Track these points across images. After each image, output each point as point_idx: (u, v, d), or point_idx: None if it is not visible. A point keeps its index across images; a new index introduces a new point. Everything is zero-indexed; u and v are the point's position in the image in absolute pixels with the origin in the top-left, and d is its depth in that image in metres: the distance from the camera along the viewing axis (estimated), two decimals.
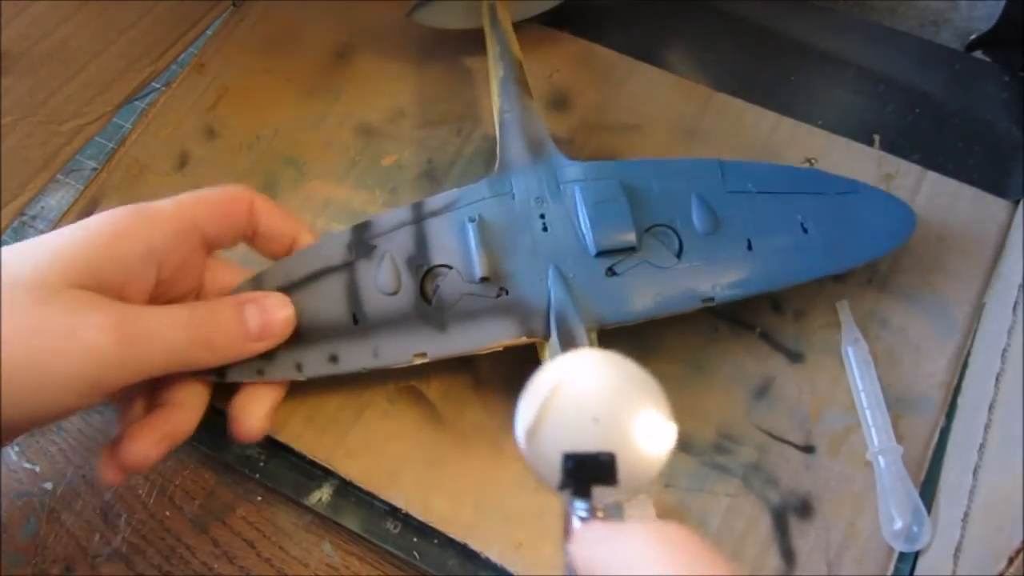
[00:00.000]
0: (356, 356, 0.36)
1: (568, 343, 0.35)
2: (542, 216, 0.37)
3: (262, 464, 0.39)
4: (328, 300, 0.37)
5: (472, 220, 0.37)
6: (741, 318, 0.41)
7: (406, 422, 0.39)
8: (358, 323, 0.36)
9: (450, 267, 0.37)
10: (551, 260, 0.37)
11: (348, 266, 0.37)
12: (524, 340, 0.36)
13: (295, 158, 0.46)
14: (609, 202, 0.37)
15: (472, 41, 0.47)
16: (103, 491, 0.39)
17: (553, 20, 0.49)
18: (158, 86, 0.50)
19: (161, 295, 0.34)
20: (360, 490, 0.38)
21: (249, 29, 0.51)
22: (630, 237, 0.36)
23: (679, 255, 0.37)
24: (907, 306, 0.41)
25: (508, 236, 0.37)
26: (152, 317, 0.32)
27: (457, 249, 0.37)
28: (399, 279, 0.37)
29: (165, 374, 0.34)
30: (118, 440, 0.34)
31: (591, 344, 0.35)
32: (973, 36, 0.51)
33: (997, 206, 0.43)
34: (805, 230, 0.38)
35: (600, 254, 0.36)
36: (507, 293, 0.36)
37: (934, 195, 0.43)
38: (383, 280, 0.37)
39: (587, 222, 0.37)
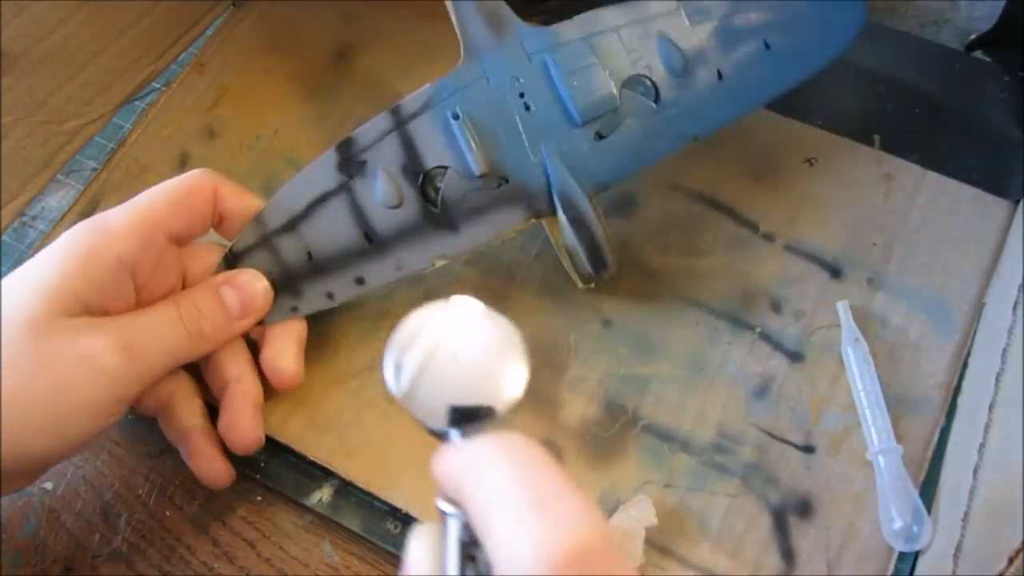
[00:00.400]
0: (380, 272, 0.38)
1: (574, 215, 0.36)
2: (522, 95, 0.38)
3: (262, 464, 0.39)
4: (336, 225, 0.37)
5: (456, 117, 0.37)
6: (741, 318, 0.41)
7: (406, 422, 0.39)
8: (372, 242, 0.37)
9: (446, 167, 0.37)
10: (541, 138, 0.37)
11: (345, 187, 0.37)
12: (533, 221, 0.38)
13: (295, 158, 0.46)
14: (583, 68, 0.38)
15: None
16: (103, 491, 0.39)
17: (553, 20, 0.49)
18: (158, 86, 0.50)
19: (146, 299, 0.35)
20: (360, 490, 0.38)
21: (249, 29, 0.51)
22: (611, 98, 0.37)
23: (656, 101, 0.38)
24: (907, 306, 0.41)
25: (493, 123, 0.37)
26: (149, 324, 0.33)
27: (448, 148, 0.37)
28: (399, 190, 0.37)
29: (166, 373, 0.34)
30: (204, 443, 0.36)
31: (594, 208, 0.37)
32: (973, 36, 0.51)
33: (997, 206, 0.43)
34: (768, 47, 0.39)
35: (586, 122, 0.37)
36: (507, 182, 0.37)
37: (934, 195, 0.43)
38: (383, 194, 0.37)
39: (567, 93, 0.37)
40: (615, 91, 0.37)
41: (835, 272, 0.42)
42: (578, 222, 0.37)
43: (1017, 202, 0.43)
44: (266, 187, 0.46)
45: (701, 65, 0.38)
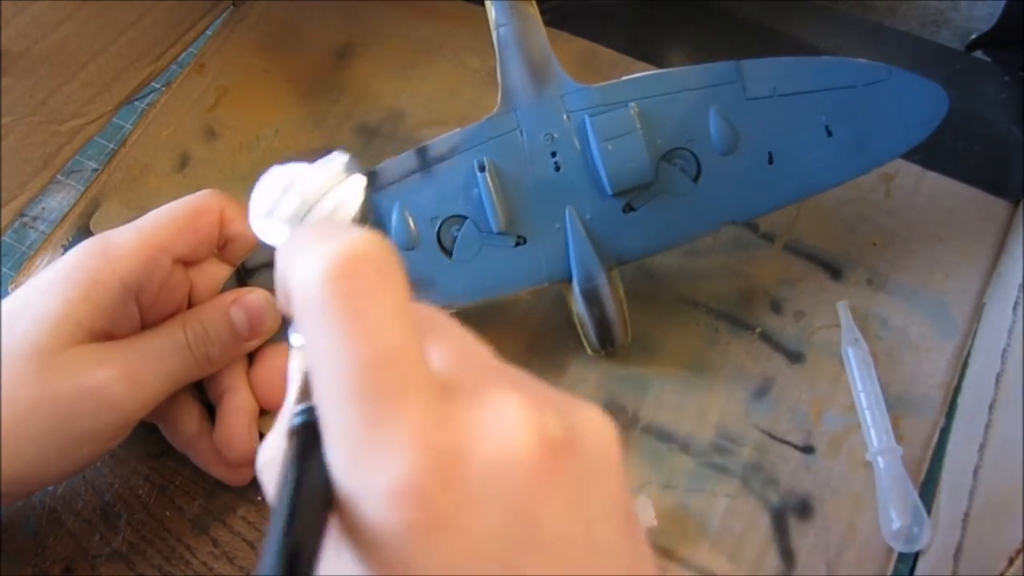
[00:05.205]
0: None
1: (588, 288, 0.35)
2: (553, 155, 0.36)
3: None
4: None
5: (483, 169, 0.36)
6: (741, 318, 0.41)
7: None
8: None
9: (465, 217, 0.36)
10: (566, 202, 0.36)
11: (361, 220, 0.37)
12: (546, 284, 0.36)
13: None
14: (623, 135, 0.35)
15: (472, 41, 0.47)
16: (103, 491, 0.39)
17: (553, 20, 0.49)
18: (158, 86, 0.50)
19: (152, 319, 0.35)
20: None
21: (249, 29, 0.51)
22: (647, 171, 0.35)
23: (697, 179, 0.36)
24: (907, 306, 0.41)
25: (520, 180, 0.36)
26: (154, 350, 0.33)
27: (470, 199, 0.36)
28: (415, 233, 0.36)
29: (171, 394, 0.34)
30: (206, 450, 0.36)
31: (612, 282, 0.36)
32: (973, 36, 0.51)
33: (997, 206, 0.43)
34: (830, 133, 0.36)
35: (616, 193, 0.36)
36: (525, 242, 0.36)
37: (934, 195, 0.43)
38: (399, 235, 0.36)
39: (601, 161, 0.35)
40: (652, 165, 0.35)
41: (835, 272, 0.42)
42: (591, 297, 0.35)
43: (1017, 202, 0.43)
44: None
45: (752, 145, 0.36)
